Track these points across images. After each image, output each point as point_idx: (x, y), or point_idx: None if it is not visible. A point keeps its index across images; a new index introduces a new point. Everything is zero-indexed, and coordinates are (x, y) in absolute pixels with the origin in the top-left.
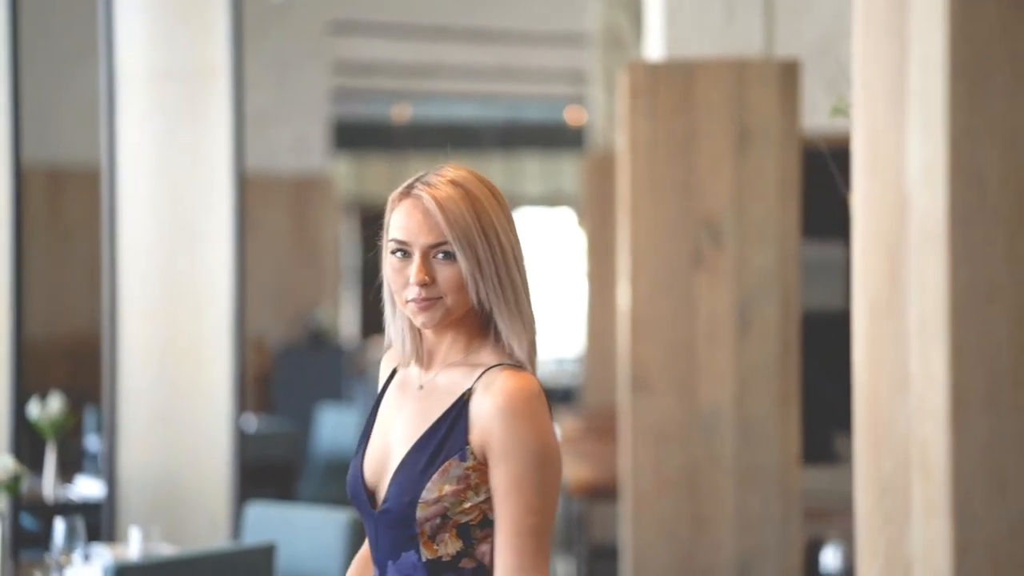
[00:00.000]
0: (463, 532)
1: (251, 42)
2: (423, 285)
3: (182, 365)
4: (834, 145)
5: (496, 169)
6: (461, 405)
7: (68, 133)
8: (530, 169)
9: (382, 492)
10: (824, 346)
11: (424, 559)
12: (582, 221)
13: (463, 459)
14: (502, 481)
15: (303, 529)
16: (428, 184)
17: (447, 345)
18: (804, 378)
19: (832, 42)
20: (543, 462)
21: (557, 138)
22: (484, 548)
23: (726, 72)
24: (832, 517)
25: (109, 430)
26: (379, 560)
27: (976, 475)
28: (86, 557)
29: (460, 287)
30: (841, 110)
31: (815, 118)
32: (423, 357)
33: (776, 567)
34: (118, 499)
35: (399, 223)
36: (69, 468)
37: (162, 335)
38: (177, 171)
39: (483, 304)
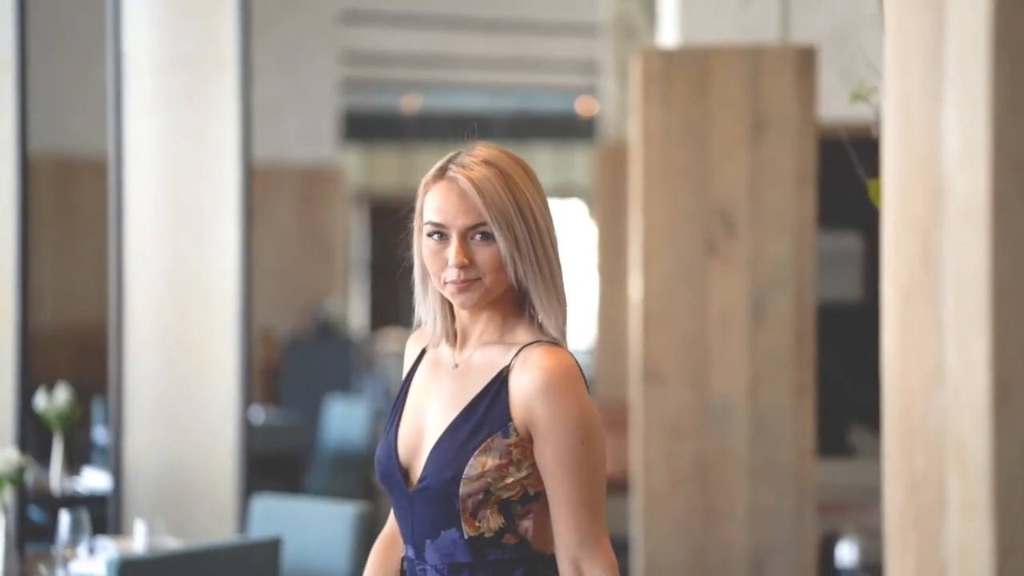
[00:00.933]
0: (504, 508)
1: (260, 32)
2: (462, 267)
3: (189, 356)
4: (852, 133)
5: None
6: (500, 382)
7: (76, 123)
8: (541, 160)
9: (417, 470)
10: (839, 338)
11: (466, 536)
12: (593, 212)
13: (506, 436)
14: (551, 460)
15: (310, 522)
16: (462, 165)
17: (482, 324)
18: (818, 370)
19: (847, 31)
20: (588, 435)
21: (568, 129)
22: (526, 524)
23: (741, 59)
24: (847, 511)
25: (115, 422)
26: (415, 540)
27: (1020, 472)
28: (91, 550)
29: (499, 267)
30: (861, 96)
31: (829, 108)
32: (455, 337)
33: (790, 562)
34: (124, 491)
35: (435, 205)
36: (77, 460)
37: (169, 326)
38: (184, 161)
39: (520, 283)
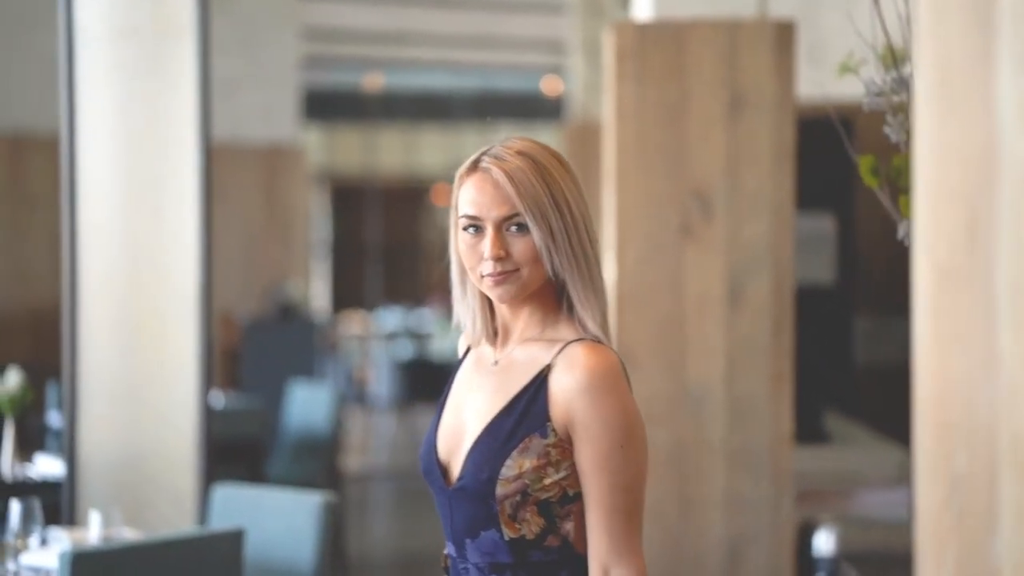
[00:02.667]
0: (544, 509)
1: (218, 5)
2: (498, 259)
3: (146, 339)
4: (821, 112)
5: (470, 141)
6: (540, 380)
7: (30, 99)
8: None
9: (456, 468)
10: (812, 321)
11: (507, 538)
12: None
13: (544, 436)
14: (589, 461)
15: (273, 512)
16: (495, 157)
17: (523, 320)
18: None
19: (813, 11)
20: (629, 438)
21: (533, 108)
22: (568, 525)
23: (718, 33)
24: (825, 499)
25: (69, 407)
26: (455, 537)
27: None
28: (43, 541)
29: (535, 258)
30: (850, 68)
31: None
32: (495, 334)
33: (767, 550)
34: (78, 479)
35: (469, 198)
36: (29, 446)
37: (126, 308)
38: (141, 136)
39: (558, 275)
